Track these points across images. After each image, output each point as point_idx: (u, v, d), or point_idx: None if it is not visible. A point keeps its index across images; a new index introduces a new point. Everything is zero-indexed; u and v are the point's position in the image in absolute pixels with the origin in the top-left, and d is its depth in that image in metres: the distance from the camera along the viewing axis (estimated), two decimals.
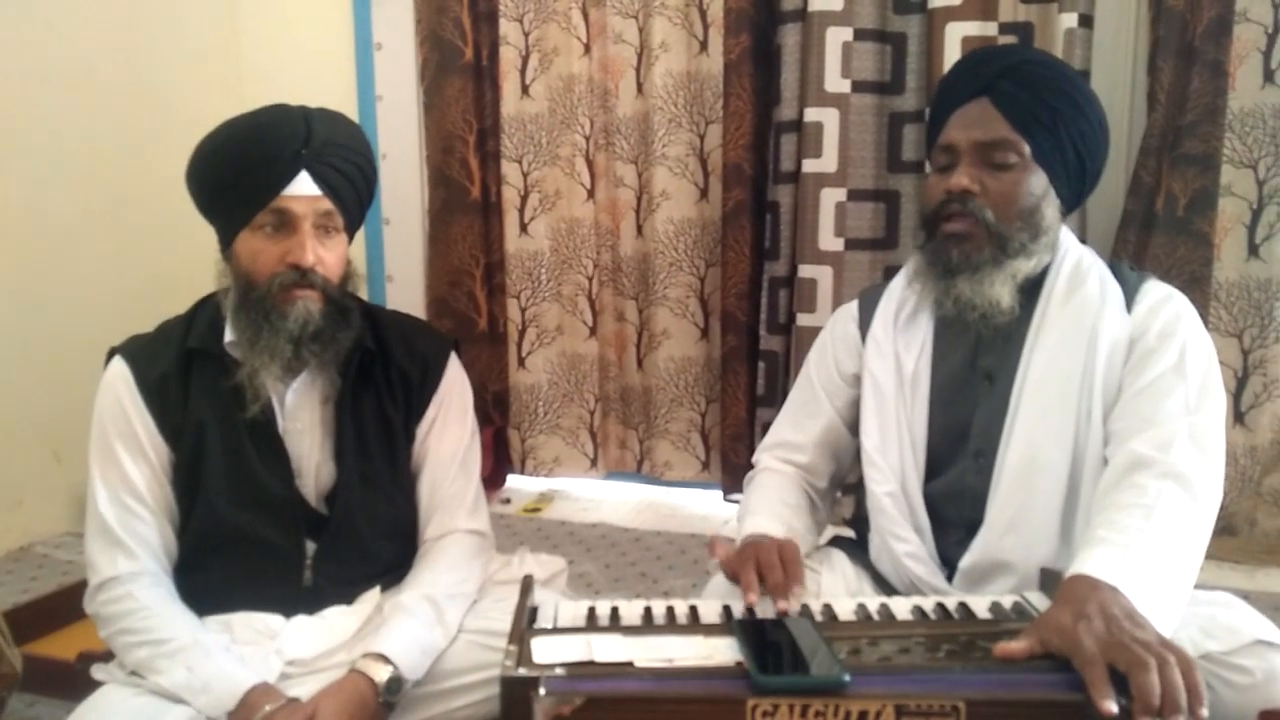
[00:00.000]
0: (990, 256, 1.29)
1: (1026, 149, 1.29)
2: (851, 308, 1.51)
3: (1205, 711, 0.89)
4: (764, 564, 1.17)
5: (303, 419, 1.36)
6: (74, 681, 1.37)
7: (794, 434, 1.51)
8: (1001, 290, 1.29)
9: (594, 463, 2.94)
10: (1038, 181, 1.30)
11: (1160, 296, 1.30)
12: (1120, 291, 1.30)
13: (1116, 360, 1.27)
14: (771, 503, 1.40)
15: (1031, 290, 1.33)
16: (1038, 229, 1.30)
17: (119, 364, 1.34)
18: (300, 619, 1.32)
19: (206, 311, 1.37)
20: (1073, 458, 1.27)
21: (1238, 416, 2.26)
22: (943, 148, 1.34)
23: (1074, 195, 1.36)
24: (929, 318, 1.39)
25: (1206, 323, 2.22)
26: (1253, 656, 1.12)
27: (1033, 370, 1.30)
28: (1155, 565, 1.08)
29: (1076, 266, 1.33)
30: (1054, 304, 1.31)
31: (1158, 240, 2.24)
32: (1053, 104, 1.29)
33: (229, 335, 1.32)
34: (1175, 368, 1.24)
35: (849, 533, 1.57)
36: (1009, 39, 2.28)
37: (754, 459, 1.56)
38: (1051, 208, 1.32)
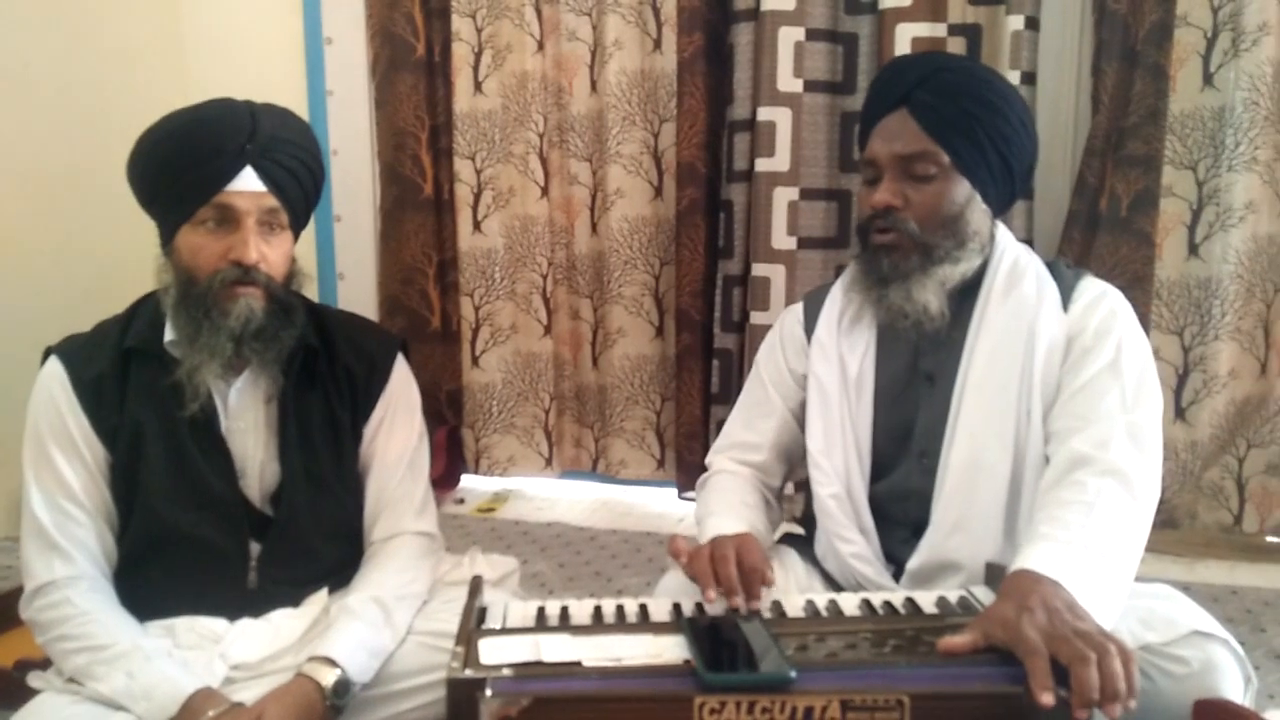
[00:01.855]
0: (918, 264, 1.31)
1: (945, 159, 1.30)
2: (797, 310, 1.52)
3: (1134, 703, 0.91)
4: (717, 559, 1.18)
5: (246, 418, 1.34)
6: (11, 689, 1.34)
7: (748, 434, 1.51)
8: (930, 297, 1.31)
9: (549, 462, 2.93)
10: (960, 190, 1.31)
11: (1096, 294, 1.32)
12: (1056, 290, 1.32)
13: (1055, 359, 1.29)
14: (731, 504, 1.40)
15: (969, 291, 1.35)
16: (963, 236, 1.32)
17: (54, 364, 1.31)
18: (245, 622, 1.30)
19: (146, 310, 1.34)
20: (1014, 457, 1.29)
21: (1178, 412, 2.31)
22: (867, 161, 1.36)
23: (1004, 196, 1.37)
24: (872, 320, 1.41)
25: (1148, 321, 2.27)
26: (1190, 647, 1.14)
27: (973, 371, 1.32)
28: (1096, 560, 1.10)
29: (1013, 266, 1.34)
30: (992, 304, 1.33)
31: (1102, 240, 2.28)
32: (970, 110, 1.30)
33: (169, 334, 1.29)
34: (1111, 365, 1.26)
35: (799, 530, 1.58)
36: (958, 40, 2.31)
37: (707, 460, 1.56)
38: (977, 213, 1.33)
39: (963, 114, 1.29)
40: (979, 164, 1.31)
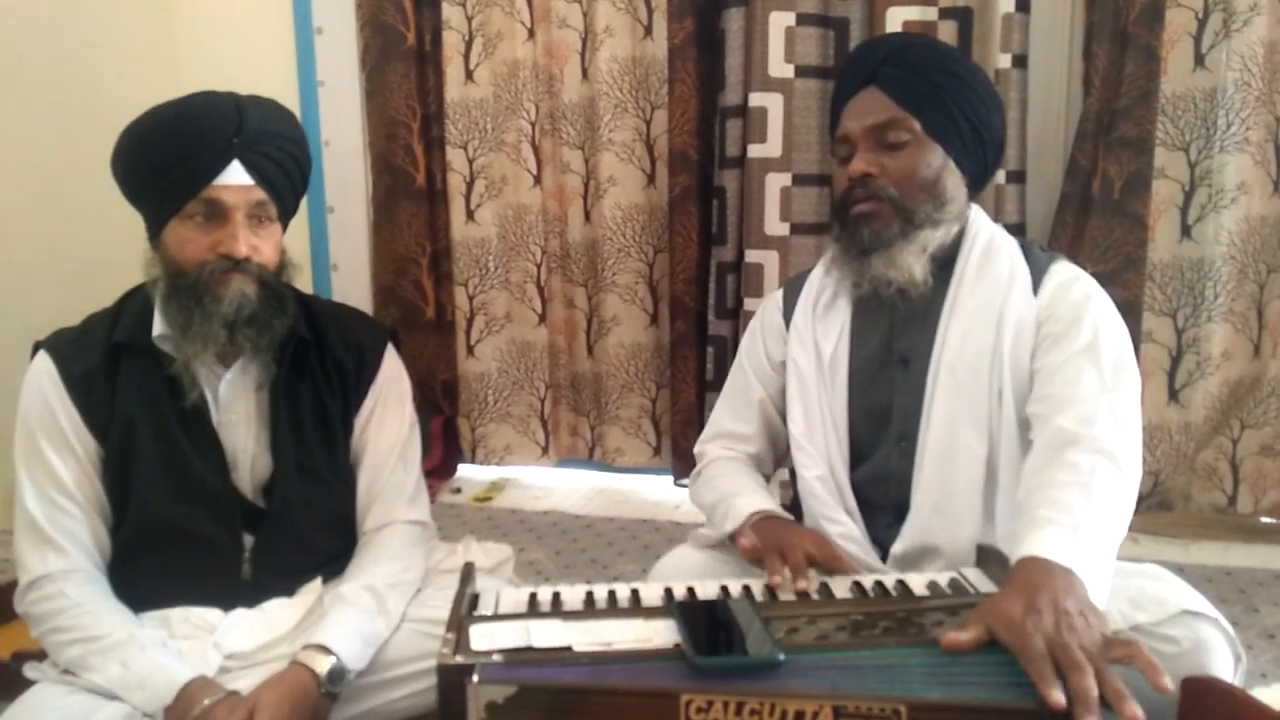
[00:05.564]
0: (899, 230, 1.32)
1: (917, 125, 1.32)
2: (777, 297, 1.54)
3: (1136, 709, 0.88)
4: (786, 547, 1.21)
5: (238, 410, 1.34)
6: (7, 681, 1.33)
7: (735, 424, 1.53)
8: (913, 263, 1.32)
9: (545, 450, 2.93)
10: (935, 155, 1.33)
11: (1067, 278, 1.32)
12: (1028, 273, 1.33)
13: (1024, 341, 1.30)
14: (749, 485, 1.43)
15: (944, 269, 1.35)
16: (941, 199, 1.33)
17: (43, 359, 1.31)
18: (239, 612, 1.30)
19: (134, 304, 1.34)
20: (989, 439, 1.30)
21: (1172, 394, 2.32)
22: (840, 139, 1.37)
23: (978, 167, 1.38)
24: (847, 304, 1.42)
25: (1141, 303, 2.27)
26: (1180, 626, 1.15)
27: (947, 352, 1.32)
28: (1096, 543, 1.10)
29: (988, 246, 1.35)
30: (966, 282, 1.34)
31: (1094, 222, 2.28)
32: (936, 80, 1.32)
33: (158, 328, 1.29)
34: (1088, 348, 1.25)
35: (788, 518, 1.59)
36: (949, 24, 2.30)
37: (696, 450, 1.57)
38: (953, 177, 1.34)
39: (930, 84, 1.32)
40: (950, 130, 1.33)
